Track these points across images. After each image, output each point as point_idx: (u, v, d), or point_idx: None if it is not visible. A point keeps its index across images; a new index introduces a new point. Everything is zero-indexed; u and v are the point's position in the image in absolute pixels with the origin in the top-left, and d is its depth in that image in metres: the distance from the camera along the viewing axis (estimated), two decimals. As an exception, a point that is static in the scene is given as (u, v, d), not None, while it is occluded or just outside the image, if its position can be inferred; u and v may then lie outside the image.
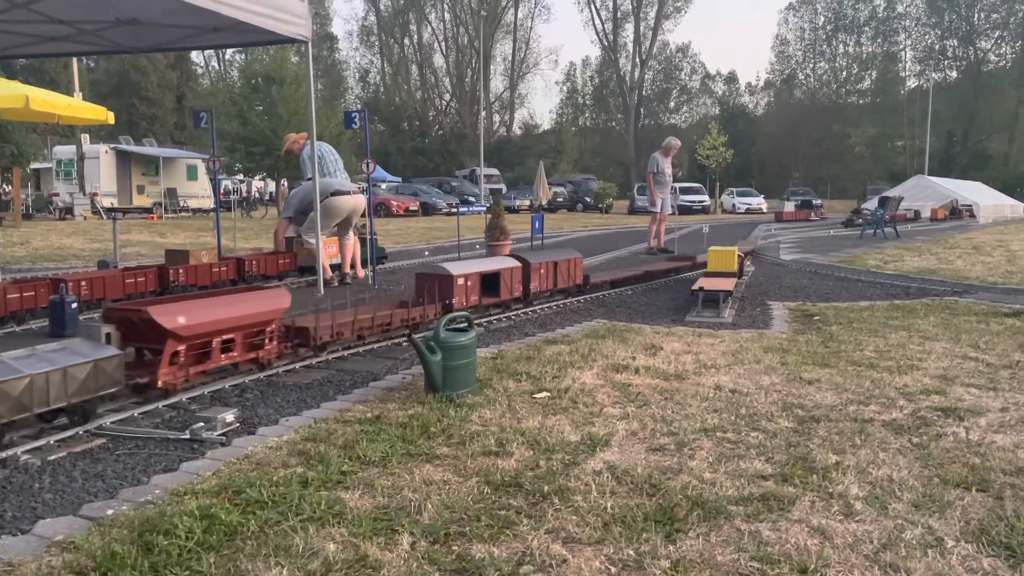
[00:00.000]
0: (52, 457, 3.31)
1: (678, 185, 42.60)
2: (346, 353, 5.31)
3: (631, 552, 2.39)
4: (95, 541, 2.44)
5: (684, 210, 37.86)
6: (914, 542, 2.47)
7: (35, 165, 31.53)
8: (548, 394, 4.19)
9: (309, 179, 9.43)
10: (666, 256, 11.77)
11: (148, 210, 28.08)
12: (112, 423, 3.71)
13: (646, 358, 5.09)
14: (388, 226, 23.23)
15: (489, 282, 6.63)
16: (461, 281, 6.21)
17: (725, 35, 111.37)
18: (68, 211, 25.87)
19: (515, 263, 6.95)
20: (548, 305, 7.46)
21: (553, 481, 2.94)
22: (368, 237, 9.53)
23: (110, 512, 2.73)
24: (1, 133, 23.06)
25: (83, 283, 7.09)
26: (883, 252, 13.94)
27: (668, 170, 13.32)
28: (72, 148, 27.99)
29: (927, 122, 45.83)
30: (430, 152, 58.04)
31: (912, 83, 66.60)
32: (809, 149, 65.06)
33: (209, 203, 29.73)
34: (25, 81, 17.23)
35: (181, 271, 8.13)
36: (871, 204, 25.50)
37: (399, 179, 42.23)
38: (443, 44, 70.58)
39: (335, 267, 9.25)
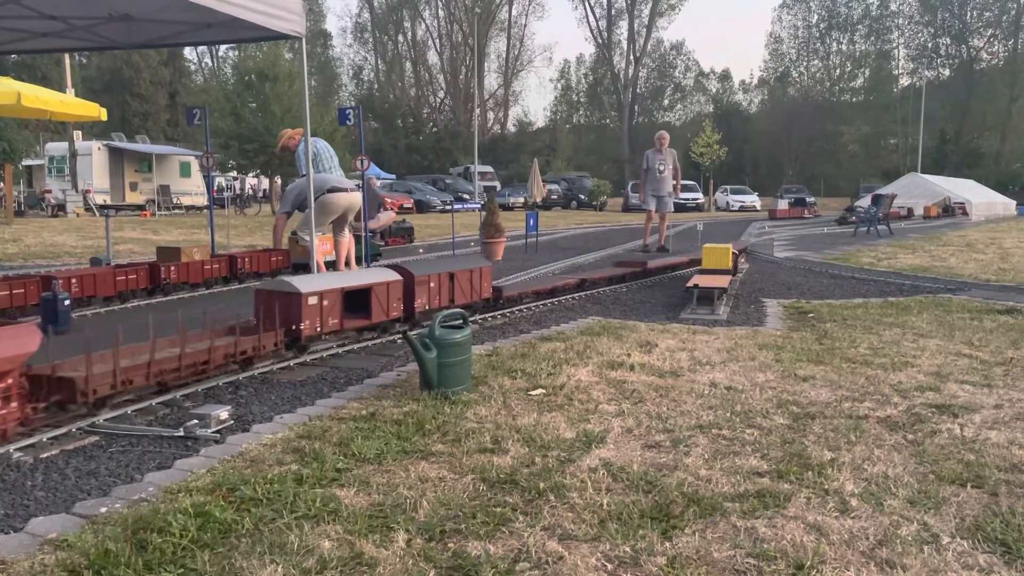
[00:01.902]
0: (45, 455, 3.29)
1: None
2: (340, 350, 5.29)
3: (627, 549, 2.39)
4: (88, 539, 2.43)
5: (678, 207, 37.92)
6: (909, 538, 2.48)
7: (27, 162, 31.41)
8: (543, 391, 4.19)
9: (304, 176, 9.44)
10: (662, 255, 11.68)
11: (141, 207, 28.00)
12: (105, 420, 3.69)
13: (641, 355, 5.08)
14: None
15: (356, 300, 5.39)
16: (314, 300, 4.93)
17: (719, 33, 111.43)
18: (60, 208, 25.76)
19: (393, 276, 5.72)
20: (542, 304, 7.45)
21: (549, 478, 2.93)
22: (363, 235, 9.51)
23: (103, 510, 2.71)
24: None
25: (73, 280, 7.05)
26: (876, 250, 13.97)
27: (661, 166, 12.91)
28: (64, 145, 27.89)
29: (920, 120, 45.89)
30: (424, 149, 58.00)
31: (905, 81, 66.84)
32: (803, 147, 65.20)
33: (202, 200, 29.63)
34: (17, 77, 17.15)
35: (173, 268, 8.10)
36: (864, 202, 25.54)
37: (393, 176, 42.20)
38: (437, 41, 70.46)
39: (330, 264, 9.24)
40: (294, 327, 4.85)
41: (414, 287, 5.85)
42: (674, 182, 13.24)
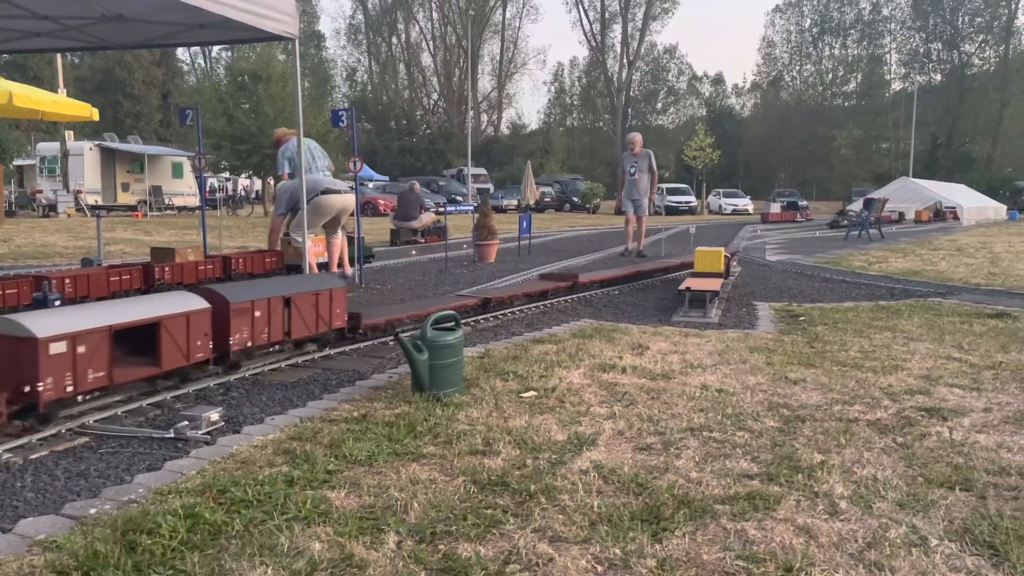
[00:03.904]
0: (34, 456, 3.28)
1: (665, 186, 42.81)
2: (332, 352, 5.28)
3: (617, 551, 2.39)
4: (78, 540, 2.42)
5: (671, 211, 38.03)
6: (898, 541, 2.49)
7: (18, 162, 31.27)
8: (535, 393, 4.19)
9: (289, 173, 9.49)
10: (641, 261, 11.51)
11: (133, 208, 27.90)
12: (95, 421, 3.68)
13: (633, 358, 5.09)
14: (375, 225, 23.18)
15: (136, 340, 3.93)
16: (60, 347, 3.41)
17: (712, 37, 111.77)
18: (52, 208, 25.66)
19: (196, 304, 4.22)
20: (534, 306, 7.44)
21: (540, 480, 2.94)
22: (356, 236, 9.50)
23: (93, 511, 2.70)
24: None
25: (67, 281, 7.03)
26: (868, 253, 14.03)
27: (633, 168, 12.69)
28: (56, 145, 27.78)
29: (912, 124, 46.17)
30: (417, 151, 57.96)
31: (897, 86, 67.22)
32: (795, 151, 65.49)
33: (195, 201, 29.58)
34: (8, 77, 17.06)
35: (167, 269, 8.08)
36: (856, 206, 25.66)
37: (386, 178, 42.16)
38: (431, 43, 70.54)
39: (322, 266, 9.22)
40: (27, 389, 3.32)
41: (229, 318, 4.39)
42: (650, 185, 12.87)
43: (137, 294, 7.74)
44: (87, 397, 3.70)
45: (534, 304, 7.43)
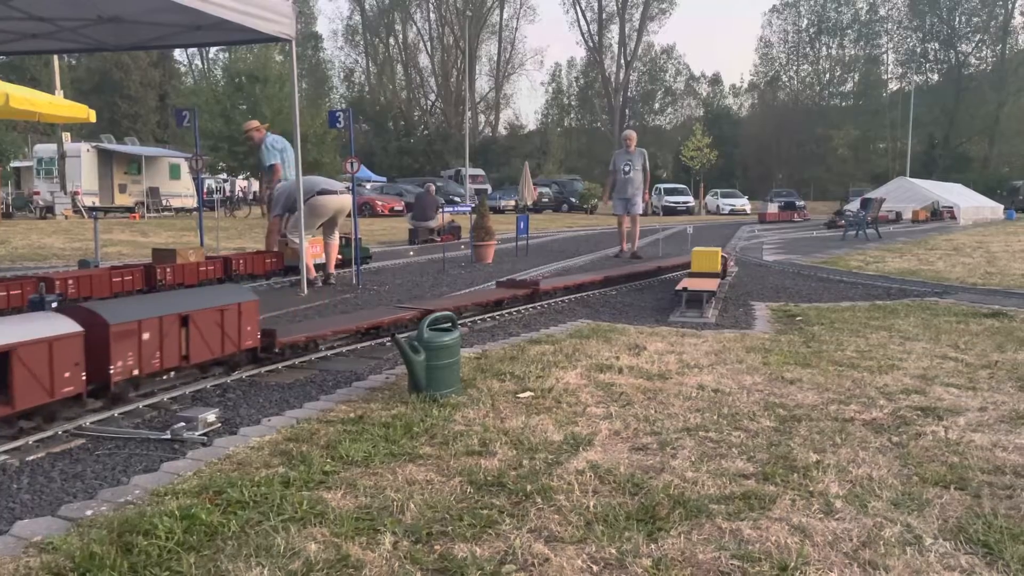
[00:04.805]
0: (30, 457, 3.28)
1: (662, 186, 42.84)
2: (329, 353, 5.28)
3: (613, 551, 2.40)
4: (74, 542, 2.42)
5: (668, 211, 38.08)
6: (893, 540, 2.49)
7: (15, 164, 31.28)
8: (532, 394, 4.19)
9: (269, 165, 9.66)
10: (637, 262, 11.39)
11: (130, 209, 27.90)
12: (92, 423, 3.68)
13: (630, 358, 5.10)
14: (373, 226, 23.17)
15: None
16: None
17: (709, 37, 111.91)
18: (49, 210, 25.65)
19: (64, 327, 3.53)
20: (531, 307, 7.45)
21: (536, 480, 2.94)
22: (353, 237, 9.51)
23: (89, 513, 2.70)
24: (-19, 131, 22.83)
25: (70, 282, 7.05)
26: (865, 253, 14.05)
27: (627, 166, 12.52)
28: (53, 147, 27.78)
29: (909, 124, 46.24)
30: (415, 152, 57.98)
31: (894, 86, 67.36)
32: (792, 151, 65.57)
33: (192, 202, 29.56)
34: (5, 79, 17.05)
35: (168, 270, 8.09)
36: (853, 206, 25.68)
37: (384, 179, 42.16)
38: (428, 44, 70.60)
39: (320, 267, 9.23)
40: None
41: (109, 342, 3.72)
42: (644, 184, 12.76)
43: (139, 295, 7.75)
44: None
45: (533, 305, 7.43)
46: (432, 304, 6.31)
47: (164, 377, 4.21)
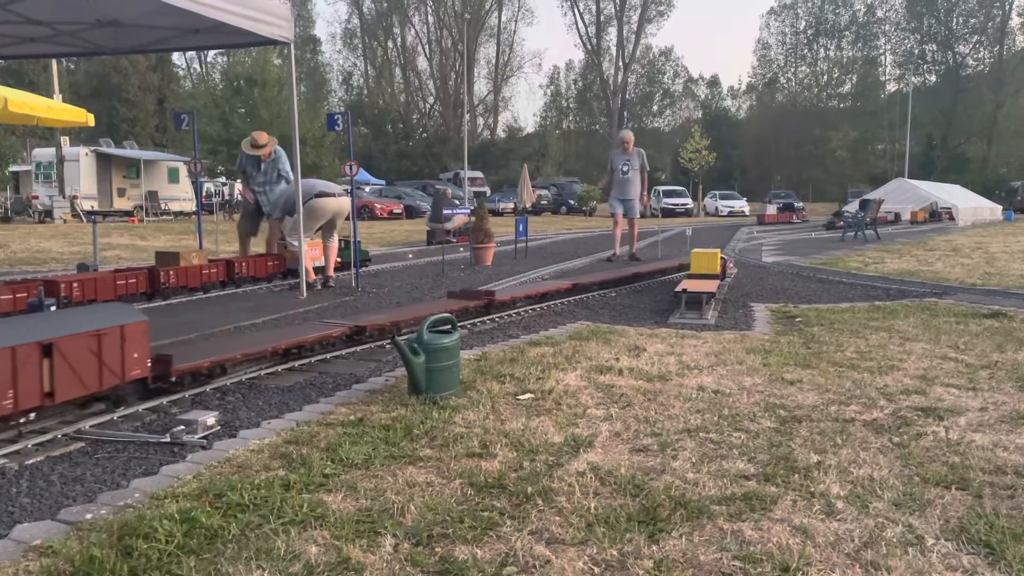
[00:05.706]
0: (30, 461, 3.27)
1: (661, 188, 42.86)
2: (329, 356, 5.28)
3: (614, 552, 2.39)
4: (73, 545, 2.41)
5: (667, 213, 38.10)
6: (894, 540, 2.49)
7: (14, 168, 31.26)
8: (532, 396, 4.19)
9: (280, 175, 9.65)
10: (635, 264, 11.27)
11: (129, 213, 27.89)
12: (91, 427, 3.67)
13: (629, 359, 5.10)
14: (372, 229, 23.18)
15: None
16: None
17: (707, 39, 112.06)
18: (47, 214, 25.64)
19: None
20: (531, 308, 7.43)
21: (536, 482, 2.94)
22: (352, 239, 9.52)
23: (89, 516, 2.70)
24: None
25: (75, 284, 7.06)
26: (864, 254, 14.05)
27: (626, 167, 12.34)
28: (52, 151, 27.78)
29: (907, 125, 46.23)
30: (414, 155, 58.02)
31: (892, 87, 67.47)
32: (790, 152, 65.65)
33: (191, 206, 29.55)
34: (3, 83, 17.05)
35: (172, 273, 8.09)
36: (852, 207, 25.69)
37: (383, 182, 42.16)
38: (427, 47, 70.59)
39: (319, 269, 9.23)
40: None
41: None
42: (642, 186, 12.59)
43: (143, 299, 7.75)
44: None
45: (532, 306, 7.43)
46: (364, 320, 5.76)
47: (23, 420, 3.44)
